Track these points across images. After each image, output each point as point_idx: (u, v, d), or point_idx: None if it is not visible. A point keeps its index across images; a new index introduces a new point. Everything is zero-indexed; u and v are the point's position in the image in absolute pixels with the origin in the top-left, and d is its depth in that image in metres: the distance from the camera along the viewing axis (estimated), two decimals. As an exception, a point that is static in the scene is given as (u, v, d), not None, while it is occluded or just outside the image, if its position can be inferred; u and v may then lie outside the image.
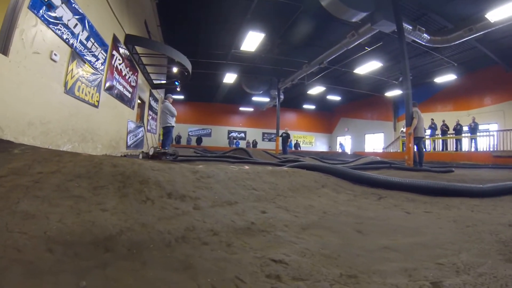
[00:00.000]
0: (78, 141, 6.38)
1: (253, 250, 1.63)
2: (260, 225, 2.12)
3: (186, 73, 13.21)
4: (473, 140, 17.35)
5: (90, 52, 6.80)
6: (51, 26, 5.08)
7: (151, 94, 15.61)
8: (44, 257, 1.30)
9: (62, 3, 5.34)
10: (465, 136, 17.87)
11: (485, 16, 11.36)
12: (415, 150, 9.92)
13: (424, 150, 10.23)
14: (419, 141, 9.86)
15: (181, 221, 2.01)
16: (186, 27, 15.54)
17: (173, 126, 10.30)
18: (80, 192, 2.08)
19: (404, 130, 20.82)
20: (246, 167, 4.13)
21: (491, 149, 16.08)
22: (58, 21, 5.28)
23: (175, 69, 13.86)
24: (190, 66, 12.69)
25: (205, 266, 1.40)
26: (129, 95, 10.60)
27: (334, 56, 15.44)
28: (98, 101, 7.48)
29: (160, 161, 7.58)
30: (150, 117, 15.81)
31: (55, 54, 5.25)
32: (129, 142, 10.82)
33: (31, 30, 4.57)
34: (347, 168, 4.33)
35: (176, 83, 15.42)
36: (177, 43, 15.46)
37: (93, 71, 7.04)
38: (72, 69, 5.94)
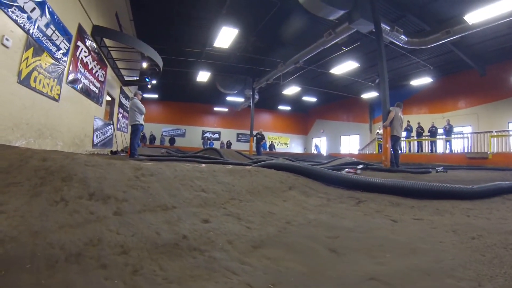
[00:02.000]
0: (34, 137, 5.78)
1: (166, 283, 1.05)
2: (194, 241, 1.59)
3: (157, 70, 12.70)
4: (447, 142, 17.43)
5: (50, 40, 6.21)
6: (3, 7, 4.57)
7: (122, 91, 14.93)
8: None
9: (18, -17, 4.79)
10: (440, 138, 17.94)
11: (464, 18, 11.27)
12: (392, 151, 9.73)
13: (400, 151, 9.97)
14: (395, 141, 9.66)
15: (88, 230, 1.58)
16: (160, 23, 14.98)
17: (142, 124, 9.67)
18: None
19: (380, 132, 20.79)
20: (202, 165, 3.50)
21: (465, 151, 16.20)
22: (12, 3, 4.79)
23: (145, 65, 13.22)
24: (161, 62, 12.21)
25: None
26: (96, 91, 9.96)
27: (310, 56, 15.14)
28: (58, 94, 6.85)
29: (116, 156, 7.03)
30: (121, 115, 15.12)
31: (7, 39, 4.75)
32: (96, 141, 10.19)
33: (-23, 10, 3.99)
34: (321, 168, 3.77)
35: (147, 79, 14.89)
36: (150, 38, 14.90)
37: (53, 61, 6.43)
38: (28, 57, 5.38)
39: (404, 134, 19.09)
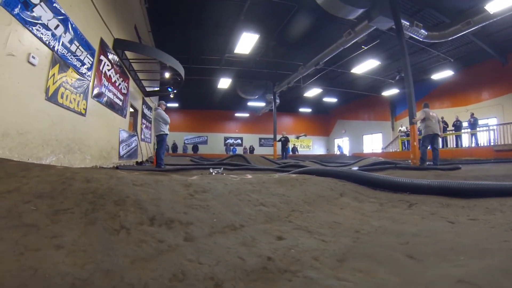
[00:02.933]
0: (63, 153, 5.88)
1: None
2: (280, 262, 1.52)
3: (179, 79, 12.82)
4: (473, 136, 17.10)
5: (74, 56, 6.34)
6: (28, 26, 4.64)
7: (144, 102, 15.16)
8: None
9: (40, 1, 4.92)
10: (465, 132, 17.65)
11: (485, 7, 11.11)
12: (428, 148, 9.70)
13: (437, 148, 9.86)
14: (432, 139, 9.57)
15: (165, 262, 1.44)
16: (178, 32, 15.17)
17: (166, 134, 9.76)
18: (34, 219, 1.55)
19: (403, 129, 20.44)
20: (249, 176, 3.55)
21: (492, 144, 15.87)
22: (36, 21, 4.86)
23: (167, 75, 13.41)
24: (183, 70, 12.30)
25: None
26: (120, 103, 10.13)
27: (330, 57, 15.16)
28: (85, 109, 7.00)
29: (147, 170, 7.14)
30: (144, 125, 15.32)
31: (33, 57, 4.81)
32: (122, 152, 10.34)
33: (4, 30, 4.13)
34: (365, 172, 3.79)
35: (169, 89, 15.02)
36: (169, 49, 14.94)
37: (78, 76, 6.57)
38: (54, 74, 5.47)
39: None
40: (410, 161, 10.59)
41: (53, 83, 5.47)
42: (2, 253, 1.22)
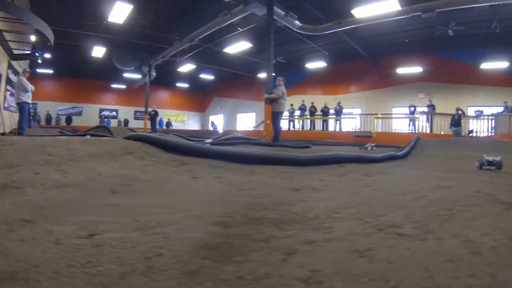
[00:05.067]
0: None
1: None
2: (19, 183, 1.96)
3: (48, 43, 11.82)
4: (338, 121, 19.16)
5: None
6: None
7: (10, 66, 13.58)
8: None
9: None
10: (331, 118, 19.62)
11: (351, 12, 12.48)
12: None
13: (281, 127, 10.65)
14: (277, 116, 10.21)
15: None
16: None
17: (27, 103, 9.30)
18: None
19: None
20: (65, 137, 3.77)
21: (354, 130, 18.09)
22: None
23: (34, 38, 12.39)
24: (52, 35, 11.37)
25: None
26: None
27: (205, 34, 15.42)
28: None
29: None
30: (9, 92, 13.78)
31: None
32: None
33: None
34: (163, 138, 4.17)
35: (36, 54, 13.68)
36: (46, 9, 13.57)
37: None
38: None
39: (298, 113, 20.62)
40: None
41: None
42: None
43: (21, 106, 9.23)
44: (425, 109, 16.75)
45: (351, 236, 1.26)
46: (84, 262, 0.94)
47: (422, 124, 16.45)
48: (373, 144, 9.08)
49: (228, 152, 3.77)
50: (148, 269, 0.91)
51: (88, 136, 6.83)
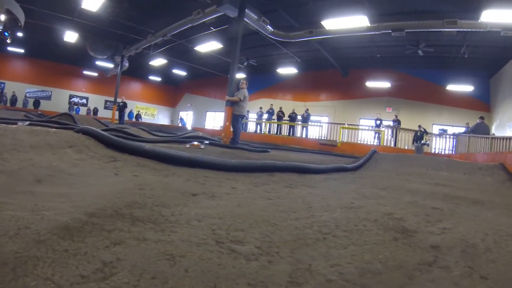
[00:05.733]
0: None
1: None
2: None
3: (19, 24, 11.58)
4: (304, 128, 19.42)
5: None
6: None
7: None
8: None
9: None
10: (298, 124, 19.90)
11: (321, 23, 12.73)
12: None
13: (240, 130, 10.79)
14: (237, 119, 10.28)
15: None
16: None
17: None
18: None
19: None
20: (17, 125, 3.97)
21: (319, 138, 18.30)
22: None
23: (3, 17, 11.77)
24: (23, 15, 11.21)
25: None
26: None
27: (178, 31, 15.50)
28: None
29: None
30: None
31: None
32: None
33: None
34: (108, 134, 4.17)
35: (6, 34, 13.32)
36: None
37: None
38: None
39: (265, 116, 20.82)
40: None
41: None
42: None
43: None
44: (391, 123, 17.23)
45: (182, 242, 1.38)
46: None
47: (387, 138, 16.83)
48: (207, 142, 8.96)
49: (158, 152, 3.83)
50: (15, 235, 1.25)
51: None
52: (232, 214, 1.92)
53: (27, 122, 6.96)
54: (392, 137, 16.66)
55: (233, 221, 1.77)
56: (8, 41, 16.24)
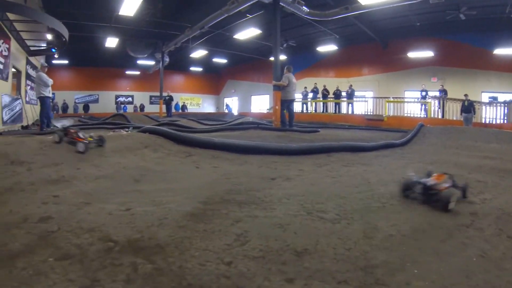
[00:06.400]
0: None
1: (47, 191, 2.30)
2: (67, 178, 2.69)
3: (63, 39, 12.20)
4: (350, 104, 19.25)
5: None
6: None
7: (28, 62, 14.11)
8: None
9: None
10: (343, 100, 19.71)
11: None
12: (286, 111, 10.58)
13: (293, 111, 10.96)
14: (289, 103, 10.51)
15: (10, 180, 2.49)
16: None
17: (48, 97, 9.70)
18: None
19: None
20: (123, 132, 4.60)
21: (365, 113, 18.04)
22: None
23: (50, 36, 13.09)
24: (67, 32, 11.75)
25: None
26: (1, 67, 9.62)
27: (215, 22, 15.65)
28: None
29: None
30: (29, 87, 14.34)
31: None
32: (5, 118, 10.10)
33: None
34: (173, 131, 4.71)
35: (53, 50, 14.46)
36: (57, 4, 14.07)
37: None
38: None
39: (310, 95, 20.78)
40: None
41: None
42: None
43: (43, 100, 9.60)
44: (437, 93, 16.48)
45: (283, 215, 1.85)
46: (127, 221, 1.75)
47: (434, 109, 16.13)
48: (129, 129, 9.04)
49: (227, 143, 4.32)
50: (160, 224, 1.70)
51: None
52: (310, 191, 2.41)
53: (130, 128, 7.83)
54: (439, 108, 15.85)
55: (313, 196, 2.24)
56: (56, 56, 17.61)
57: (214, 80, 35.77)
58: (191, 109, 32.78)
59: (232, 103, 33.42)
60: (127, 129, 7.55)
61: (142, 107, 30.32)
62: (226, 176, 2.99)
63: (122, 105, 29.60)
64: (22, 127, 11.39)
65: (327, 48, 21.34)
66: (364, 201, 2.20)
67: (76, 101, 28.90)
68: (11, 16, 9.96)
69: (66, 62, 25.87)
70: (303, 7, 13.55)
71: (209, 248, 1.42)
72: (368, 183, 2.81)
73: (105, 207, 1.99)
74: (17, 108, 11.48)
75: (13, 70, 11.58)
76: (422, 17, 16.19)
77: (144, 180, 2.82)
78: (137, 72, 30.48)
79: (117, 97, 30.77)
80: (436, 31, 17.47)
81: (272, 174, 3.10)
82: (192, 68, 32.06)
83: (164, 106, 22.37)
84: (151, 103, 31.85)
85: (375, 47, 20.30)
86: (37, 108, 14.51)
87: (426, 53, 18.41)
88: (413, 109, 17.31)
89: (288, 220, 1.75)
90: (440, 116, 15.54)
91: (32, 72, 14.57)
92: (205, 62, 29.37)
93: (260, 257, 1.35)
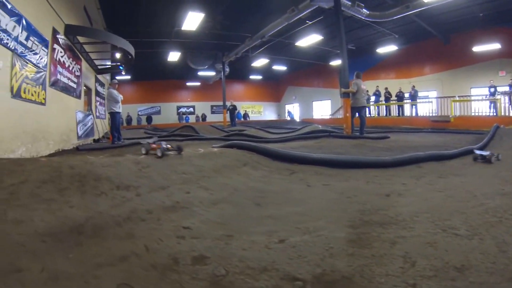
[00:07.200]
0: (31, 142, 6.48)
1: (172, 221, 2.37)
2: (182, 203, 2.80)
3: (130, 57, 13.26)
4: (413, 106, 18.79)
5: (31, 51, 6.65)
6: None
7: (96, 80, 15.39)
8: (41, 245, 1.81)
9: (-3, 9, 5.19)
10: (406, 103, 19.32)
11: None
12: (358, 117, 10.67)
13: (365, 117, 10.99)
14: (360, 110, 10.56)
15: (127, 207, 2.61)
16: (127, 8, 15.32)
17: (118, 112, 10.47)
18: (49, 195, 2.53)
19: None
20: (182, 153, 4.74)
21: (430, 115, 17.58)
22: None
23: (118, 55, 14.07)
24: (133, 49, 12.76)
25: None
26: (75, 86, 10.45)
27: (275, 30, 16.02)
28: (44, 99, 7.41)
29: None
30: (98, 103, 15.63)
31: None
32: (80, 133, 10.91)
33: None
34: (268, 146, 4.95)
35: (120, 67, 15.66)
36: (120, 24, 15.49)
37: (36, 69, 6.92)
38: (16, 72, 5.85)
39: (373, 98, 20.55)
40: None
41: (16, 81, 5.87)
42: (43, 215, 2.24)
43: (113, 115, 10.32)
44: (507, 88, 15.43)
45: (425, 233, 2.10)
46: (296, 255, 1.80)
47: (505, 106, 15.09)
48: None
49: (327, 159, 4.57)
50: (331, 256, 1.76)
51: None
52: (428, 207, 2.62)
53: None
54: (510, 104, 15.00)
55: (436, 213, 2.45)
56: (123, 72, 18.96)
57: (274, 87, 36.46)
58: (253, 116, 33.69)
59: (293, 110, 33.76)
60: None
61: (204, 117, 31.59)
62: (344, 194, 3.15)
63: (184, 115, 30.96)
64: (94, 140, 12.36)
65: (387, 48, 21.09)
66: (482, 215, 2.35)
67: (139, 113, 30.80)
68: (81, 39, 10.75)
69: (128, 77, 27.54)
70: (363, 9, 13.57)
71: (389, 273, 1.54)
72: (474, 196, 2.94)
73: (254, 239, 2.02)
74: (89, 123, 12.42)
75: (84, 88, 12.50)
76: (486, 6, 15.35)
77: (265, 203, 2.87)
78: (198, 83, 31.91)
79: (178, 108, 32.36)
80: (502, 20, 16.31)
81: (382, 190, 3.27)
82: (252, 76, 32.93)
83: (228, 115, 23.13)
84: (212, 112, 33.14)
85: (435, 44, 19.64)
86: (105, 121, 15.86)
87: (492, 45, 17.21)
88: (480, 108, 16.26)
89: (433, 239, 1.97)
90: (512, 114, 14.35)
91: (100, 89, 15.81)
92: (264, 70, 30.05)
93: (434, 276, 1.52)
